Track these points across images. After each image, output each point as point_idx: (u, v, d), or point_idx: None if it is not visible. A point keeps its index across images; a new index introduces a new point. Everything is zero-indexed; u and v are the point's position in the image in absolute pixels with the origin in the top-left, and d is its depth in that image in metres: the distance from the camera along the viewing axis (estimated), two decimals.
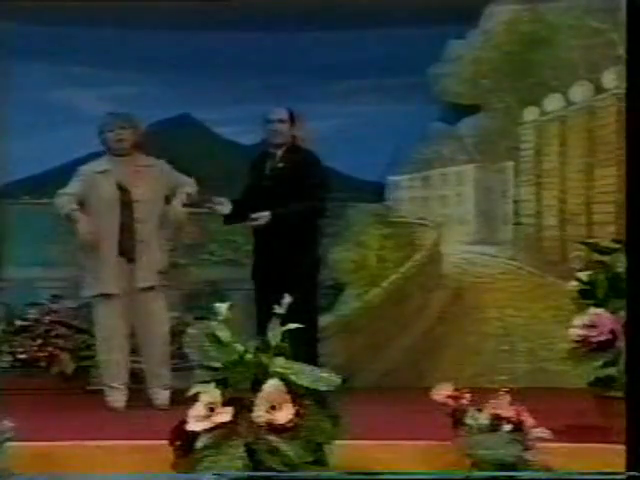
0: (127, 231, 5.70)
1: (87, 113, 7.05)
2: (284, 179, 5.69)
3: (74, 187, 5.77)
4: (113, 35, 6.87)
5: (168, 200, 5.79)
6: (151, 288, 5.72)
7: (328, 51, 6.87)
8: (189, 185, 5.82)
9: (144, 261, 5.70)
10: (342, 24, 6.69)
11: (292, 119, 5.80)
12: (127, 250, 5.70)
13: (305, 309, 5.59)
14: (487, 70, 7.02)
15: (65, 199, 5.74)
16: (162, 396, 5.66)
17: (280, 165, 5.77)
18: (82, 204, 5.74)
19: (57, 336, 6.56)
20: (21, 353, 6.48)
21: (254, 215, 5.64)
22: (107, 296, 5.70)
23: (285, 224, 5.58)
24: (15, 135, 6.73)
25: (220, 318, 3.70)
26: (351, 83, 6.90)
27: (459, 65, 6.97)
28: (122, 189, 5.74)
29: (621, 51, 6.28)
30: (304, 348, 5.35)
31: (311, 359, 5.45)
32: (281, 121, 5.77)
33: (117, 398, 5.73)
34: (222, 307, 3.73)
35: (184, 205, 5.77)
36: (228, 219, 5.89)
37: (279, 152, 5.78)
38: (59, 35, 6.86)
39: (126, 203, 5.72)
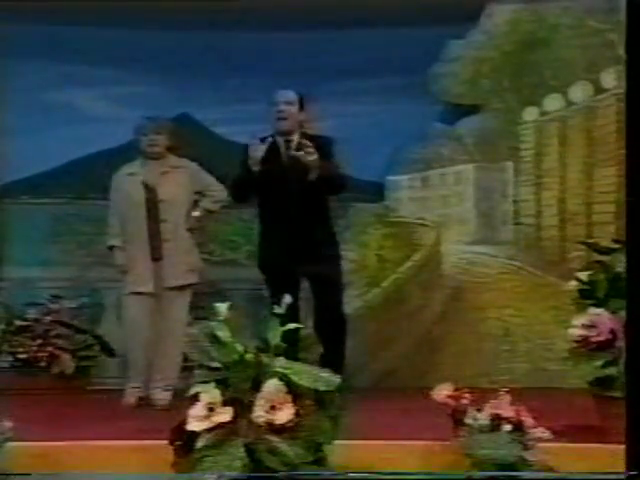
0: (154, 230, 5.78)
1: (87, 113, 7.07)
2: (306, 167, 5.38)
3: (115, 207, 5.93)
4: (113, 35, 6.87)
5: (197, 202, 5.92)
6: (178, 288, 5.80)
7: (328, 51, 6.87)
8: (216, 190, 5.94)
9: (171, 260, 5.78)
10: (342, 24, 6.69)
11: (301, 103, 5.56)
12: (154, 249, 5.78)
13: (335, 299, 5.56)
14: (487, 70, 7.02)
15: (111, 231, 5.92)
16: (163, 396, 5.68)
17: (300, 154, 5.43)
18: (115, 208, 5.92)
19: (57, 336, 6.56)
20: (21, 353, 6.48)
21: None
22: (138, 294, 5.78)
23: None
24: (15, 135, 6.74)
25: (220, 318, 3.71)
26: (351, 83, 6.90)
27: (459, 65, 6.97)
28: (148, 189, 5.83)
29: (621, 51, 6.28)
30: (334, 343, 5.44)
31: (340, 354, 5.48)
32: (288, 103, 5.51)
33: (132, 394, 5.78)
34: (222, 307, 3.73)
35: (211, 211, 5.93)
36: (239, 198, 5.72)
37: (294, 139, 5.53)
38: (59, 35, 6.87)
39: (152, 203, 5.81)
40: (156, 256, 5.79)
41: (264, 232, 5.66)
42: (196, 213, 5.91)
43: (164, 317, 5.80)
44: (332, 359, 5.28)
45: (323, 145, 5.51)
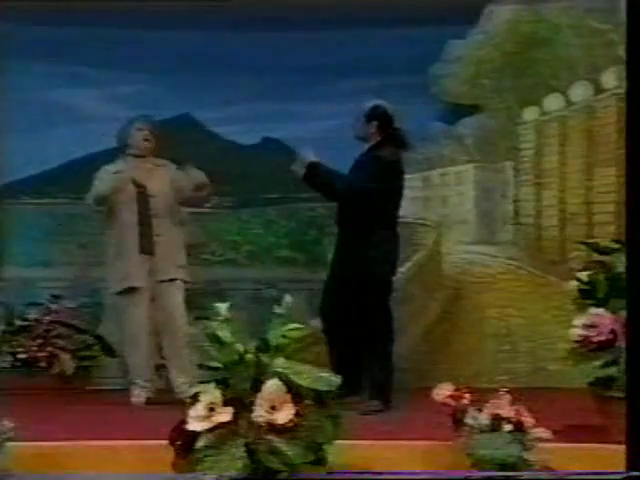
0: (146, 225, 5.83)
1: (87, 113, 7.07)
2: (360, 174, 5.58)
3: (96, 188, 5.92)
4: (113, 35, 6.87)
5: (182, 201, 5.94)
6: (172, 280, 5.84)
7: (328, 51, 6.87)
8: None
9: (164, 254, 5.83)
10: (342, 24, 6.69)
11: (375, 116, 5.65)
12: (146, 244, 5.82)
13: (381, 312, 5.69)
14: (487, 70, 7.02)
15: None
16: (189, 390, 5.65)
17: (362, 159, 5.67)
18: (104, 203, 5.89)
19: (57, 336, 6.55)
20: (21, 353, 6.48)
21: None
22: (132, 290, 5.81)
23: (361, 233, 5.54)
24: (15, 135, 6.73)
25: (220, 318, 3.70)
26: (351, 83, 6.90)
27: (459, 65, 6.97)
28: (138, 185, 5.87)
29: (621, 51, 6.28)
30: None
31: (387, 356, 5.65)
32: (356, 115, 5.69)
33: (139, 394, 5.83)
34: (222, 307, 3.73)
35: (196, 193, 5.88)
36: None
37: (365, 147, 5.70)
38: (59, 35, 6.86)
39: (142, 198, 5.85)
40: (148, 250, 5.81)
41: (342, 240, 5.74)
42: (193, 177, 5.85)
43: (165, 311, 5.83)
44: (375, 378, 5.57)
45: (376, 156, 5.62)
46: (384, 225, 5.62)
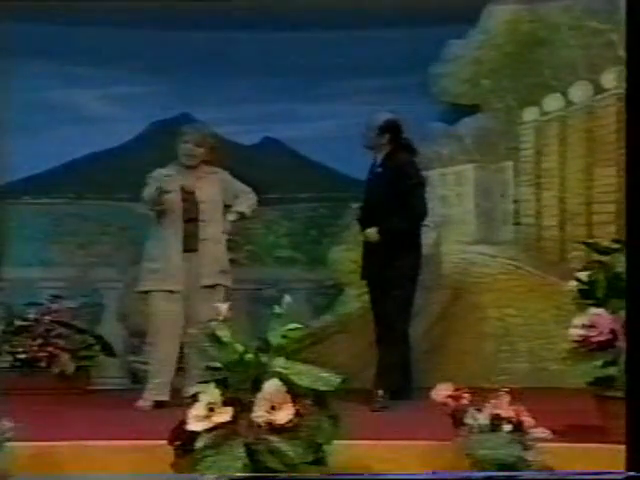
0: (191, 230, 5.83)
1: (87, 113, 7.07)
2: (382, 183, 5.87)
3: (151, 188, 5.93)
4: (113, 35, 6.88)
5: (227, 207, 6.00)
6: (211, 287, 5.82)
7: (328, 51, 6.88)
8: (248, 195, 6.03)
9: (208, 259, 5.84)
10: (342, 24, 6.69)
11: (388, 128, 5.88)
12: (191, 248, 5.82)
13: (405, 308, 5.90)
14: (487, 70, 7.02)
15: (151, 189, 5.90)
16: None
17: (379, 170, 5.94)
18: (152, 202, 5.89)
19: (57, 336, 6.55)
20: (21, 353, 6.48)
21: (365, 232, 5.94)
22: (167, 292, 5.79)
23: (390, 236, 5.81)
24: (15, 135, 6.73)
25: (220, 318, 3.71)
26: (351, 83, 6.91)
27: (459, 65, 6.97)
28: (186, 191, 5.89)
29: (621, 51, 6.28)
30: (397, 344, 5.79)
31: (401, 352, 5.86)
32: (368, 127, 5.90)
33: (147, 397, 5.77)
34: (222, 307, 3.74)
35: (244, 215, 6.03)
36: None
37: (379, 157, 5.95)
38: (59, 35, 6.87)
39: (190, 204, 5.86)
40: (191, 248, 5.81)
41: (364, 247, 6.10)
42: (231, 217, 5.97)
43: (200, 315, 5.61)
44: (380, 369, 5.77)
45: (399, 161, 5.92)
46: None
